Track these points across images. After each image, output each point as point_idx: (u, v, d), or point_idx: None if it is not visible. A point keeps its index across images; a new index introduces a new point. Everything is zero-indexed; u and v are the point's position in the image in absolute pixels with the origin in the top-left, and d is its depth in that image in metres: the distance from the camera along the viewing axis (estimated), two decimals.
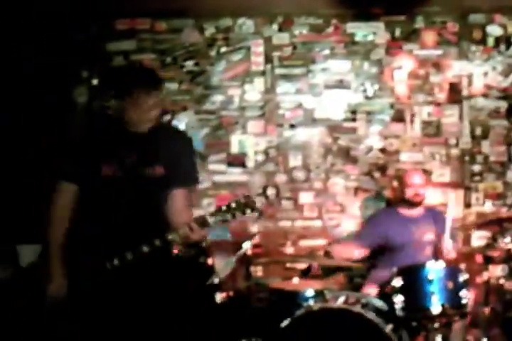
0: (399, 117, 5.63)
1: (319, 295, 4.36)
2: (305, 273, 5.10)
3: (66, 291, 3.22)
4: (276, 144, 5.64)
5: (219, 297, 4.41)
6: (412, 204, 5.08)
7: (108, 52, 5.56)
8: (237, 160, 5.64)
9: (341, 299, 4.36)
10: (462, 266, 4.46)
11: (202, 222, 3.19)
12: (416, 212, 5.11)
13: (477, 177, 5.60)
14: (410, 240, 4.95)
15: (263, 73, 5.66)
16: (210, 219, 3.19)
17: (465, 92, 5.61)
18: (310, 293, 4.37)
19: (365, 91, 5.63)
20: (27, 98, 5.32)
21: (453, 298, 4.28)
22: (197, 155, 3.72)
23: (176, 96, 5.63)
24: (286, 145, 5.64)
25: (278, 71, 5.66)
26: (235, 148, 5.65)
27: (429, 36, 5.64)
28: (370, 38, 5.64)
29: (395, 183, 5.28)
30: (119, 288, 3.17)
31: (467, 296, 4.30)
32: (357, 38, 5.65)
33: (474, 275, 5.12)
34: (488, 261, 4.92)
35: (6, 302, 3.52)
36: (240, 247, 4.63)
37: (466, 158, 5.61)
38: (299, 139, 5.64)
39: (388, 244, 5.02)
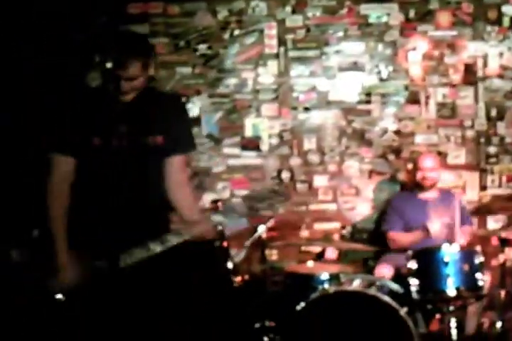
0: (413, 99, 5.60)
1: (334, 278, 4.36)
2: (320, 257, 5.12)
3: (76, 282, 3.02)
4: (290, 127, 5.62)
5: (234, 280, 4.42)
6: (423, 187, 5.06)
7: None
8: (252, 144, 5.63)
9: (356, 282, 4.37)
10: (478, 248, 4.43)
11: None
12: (431, 195, 5.10)
13: (493, 159, 5.57)
14: (425, 223, 4.93)
15: (276, 56, 5.64)
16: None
17: (480, 73, 5.57)
18: (325, 276, 4.37)
19: (379, 73, 5.60)
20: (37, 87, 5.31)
21: (468, 281, 4.27)
22: (191, 121, 3.64)
23: (190, 80, 5.62)
24: (300, 128, 5.62)
25: (291, 54, 5.63)
26: (249, 132, 5.64)
27: (444, 17, 5.59)
28: (384, 19, 5.60)
29: (410, 167, 5.26)
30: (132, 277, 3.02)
31: (483, 279, 4.29)
32: (371, 20, 5.61)
33: (490, 258, 5.10)
34: (504, 243, 4.89)
35: (22, 287, 3.51)
36: (255, 231, 4.63)
37: (482, 139, 5.57)
38: (313, 122, 5.62)
39: (406, 227, 5.02)
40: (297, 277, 4.51)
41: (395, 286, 4.38)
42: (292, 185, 5.61)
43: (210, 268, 3.85)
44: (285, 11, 5.62)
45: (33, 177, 3.34)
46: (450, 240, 4.71)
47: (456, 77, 5.57)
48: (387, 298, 4.10)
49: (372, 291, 4.18)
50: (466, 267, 4.29)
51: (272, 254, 5.44)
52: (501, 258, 5.03)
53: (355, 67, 5.62)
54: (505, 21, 5.55)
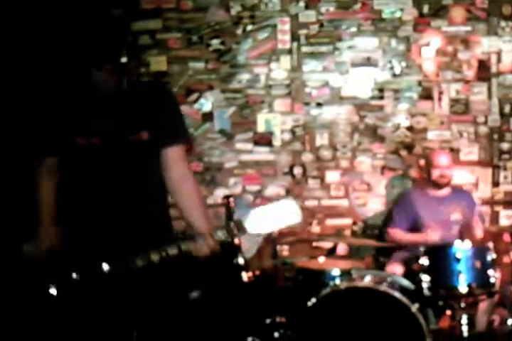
0: (426, 95, 5.58)
1: (345, 274, 4.36)
2: (331, 252, 5.12)
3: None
4: (302, 123, 5.62)
5: (245, 276, 4.42)
6: (439, 185, 5.05)
7: (134, 32, 5.55)
8: (264, 139, 5.63)
9: (368, 278, 4.37)
10: (490, 245, 4.41)
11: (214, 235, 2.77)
12: (443, 191, 5.08)
13: (506, 156, 5.55)
14: (438, 220, 4.93)
15: (289, 51, 5.63)
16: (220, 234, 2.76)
17: (494, 69, 5.54)
18: (336, 272, 4.37)
19: (392, 68, 5.59)
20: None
21: (480, 278, 4.27)
22: (179, 109, 3.16)
23: (202, 75, 5.62)
24: (312, 123, 5.62)
25: (304, 49, 5.62)
26: (261, 127, 5.64)
27: (458, 12, 5.56)
28: (398, 14, 5.58)
29: (422, 163, 5.25)
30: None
31: (494, 275, 4.29)
32: (384, 15, 5.59)
33: (502, 255, 5.10)
34: None
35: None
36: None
37: (495, 136, 5.55)
38: (325, 118, 5.61)
39: (417, 224, 5.01)
40: (308, 273, 4.51)
41: (406, 282, 4.38)
42: (304, 181, 5.61)
43: (220, 264, 3.79)
44: (298, 6, 5.61)
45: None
46: (462, 237, 4.70)
47: (470, 72, 5.55)
48: (398, 295, 4.09)
49: (384, 287, 4.18)
50: (478, 264, 4.29)
51: (284, 250, 5.46)
52: None
53: (368, 62, 5.60)
54: None
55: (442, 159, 5.06)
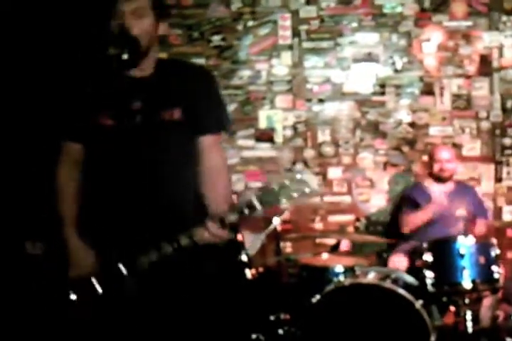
0: (428, 90, 5.57)
1: (349, 270, 4.35)
2: (334, 249, 5.11)
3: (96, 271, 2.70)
4: (304, 119, 5.61)
5: (248, 273, 4.42)
6: (440, 179, 5.04)
7: None
8: (266, 136, 5.62)
9: (371, 274, 4.35)
10: (493, 240, 4.40)
11: (221, 221, 2.60)
12: (447, 187, 5.08)
13: (508, 151, 5.54)
14: (441, 214, 4.92)
15: (290, 47, 5.62)
16: (230, 217, 2.61)
17: (495, 64, 5.54)
18: (340, 268, 4.37)
19: (393, 64, 5.58)
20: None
21: (484, 273, 4.25)
22: (222, 99, 2.95)
23: None
24: (314, 120, 5.61)
25: (305, 45, 5.61)
26: (263, 124, 5.63)
27: (459, 7, 5.55)
28: (399, 9, 5.57)
29: (425, 158, 5.25)
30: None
31: (498, 271, 4.28)
32: (385, 10, 5.58)
33: (506, 250, 5.09)
34: None
35: (38, 278, 3.49)
36: (270, 223, 4.63)
37: (497, 131, 5.54)
38: (327, 114, 5.61)
39: None
40: (312, 269, 4.50)
41: (410, 279, 4.37)
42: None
43: (223, 260, 3.74)
44: (299, 1, 5.61)
45: (46, 168, 2.98)
46: (466, 232, 4.70)
47: (471, 68, 5.54)
48: (402, 291, 4.07)
49: (388, 284, 4.16)
50: (482, 259, 4.27)
51: (287, 246, 5.45)
52: None
53: (370, 58, 5.59)
54: None
55: (443, 153, 5.06)
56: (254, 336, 4.26)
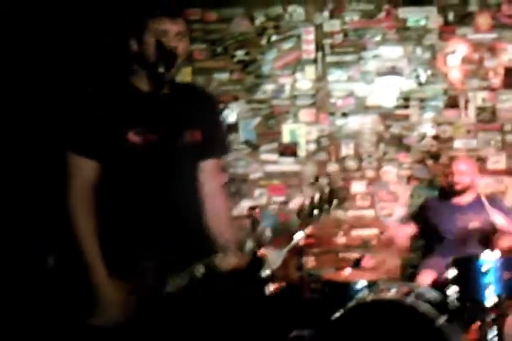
0: (452, 103, 5.54)
1: (372, 286, 4.34)
2: (357, 264, 5.08)
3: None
4: (328, 133, 5.61)
5: (271, 288, 4.42)
6: (454, 191, 5.00)
7: None
8: (289, 150, 5.62)
9: (394, 290, 4.33)
10: None
11: (240, 247, 2.62)
12: (465, 199, 5.03)
13: None
14: (455, 227, 4.90)
15: (314, 61, 5.63)
16: (248, 244, 2.62)
17: None
18: (362, 284, 4.35)
19: (417, 77, 5.56)
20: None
21: (509, 289, 4.22)
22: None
23: (227, 86, 5.64)
24: (338, 133, 5.60)
25: (329, 59, 5.61)
26: (286, 138, 5.63)
27: (484, 19, 5.52)
28: (423, 22, 5.56)
29: (446, 170, 5.22)
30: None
31: None
32: (409, 23, 5.57)
33: None
34: None
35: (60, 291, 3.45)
36: (292, 237, 4.61)
37: None
38: (350, 127, 5.60)
39: (437, 232, 4.98)
40: (334, 285, 4.49)
41: (434, 294, 4.34)
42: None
43: (245, 275, 3.73)
44: (323, 15, 5.61)
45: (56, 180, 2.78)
46: (487, 245, 4.66)
47: (496, 80, 5.50)
48: (424, 307, 4.05)
49: (410, 300, 4.13)
50: (507, 275, 4.24)
51: (309, 261, 5.43)
52: None
53: (394, 71, 5.58)
54: None
55: (459, 165, 5.03)
56: None
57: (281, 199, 5.60)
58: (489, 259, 4.22)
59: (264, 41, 5.66)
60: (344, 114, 5.60)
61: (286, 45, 5.65)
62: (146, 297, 2.58)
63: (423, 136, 5.54)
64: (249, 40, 5.67)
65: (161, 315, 2.66)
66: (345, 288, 4.38)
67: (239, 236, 2.74)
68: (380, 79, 5.59)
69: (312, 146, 5.61)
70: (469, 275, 4.26)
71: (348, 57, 5.61)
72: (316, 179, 5.60)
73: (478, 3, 5.52)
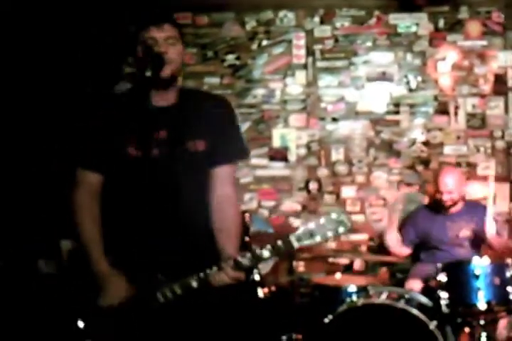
0: (443, 109, 5.55)
1: (362, 290, 4.32)
2: (347, 268, 5.08)
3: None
4: (318, 138, 5.60)
5: (261, 292, 4.40)
6: (444, 206, 4.96)
7: None
8: (279, 155, 5.62)
9: (384, 295, 4.32)
10: (509, 261, 4.35)
11: (237, 264, 2.62)
12: (454, 207, 5.00)
13: None
14: (446, 236, 4.89)
15: (305, 66, 5.63)
16: (245, 261, 2.62)
17: (510, 83, 5.52)
18: (353, 288, 4.34)
19: (408, 83, 5.57)
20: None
21: (499, 294, 4.20)
22: (240, 127, 3.03)
23: (218, 90, 5.60)
24: (328, 138, 5.60)
25: (320, 64, 5.62)
26: (276, 142, 5.63)
27: (474, 26, 5.54)
28: (413, 29, 5.57)
29: (432, 183, 5.19)
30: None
31: None
32: (400, 30, 5.59)
33: None
34: None
35: (52, 295, 3.47)
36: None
37: None
38: (341, 133, 5.60)
39: (427, 240, 4.97)
40: (325, 289, 4.48)
41: (424, 299, 4.33)
42: (320, 196, 5.58)
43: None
44: (313, 21, 5.62)
45: (60, 187, 3.03)
46: (476, 252, 4.66)
47: (486, 87, 5.52)
48: (416, 312, 4.05)
49: (401, 304, 4.13)
50: (497, 280, 4.22)
51: (300, 266, 5.42)
52: None
53: (384, 77, 5.59)
54: None
55: (447, 185, 4.85)
56: None
57: (272, 203, 5.58)
58: (479, 264, 4.22)
59: (254, 46, 5.66)
60: (334, 119, 5.60)
61: (277, 50, 5.65)
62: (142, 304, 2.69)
63: (413, 142, 5.55)
64: (240, 44, 5.66)
65: (156, 319, 2.71)
66: (336, 293, 4.37)
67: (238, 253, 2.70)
68: (371, 84, 5.59)
69: (302, 151, 5.60)
70: (460, 280, 4.26)
71: (339, 63, 5.61)
72: (306, 184, 5.59)
73: (468, 10, 5.54)
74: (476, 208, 5.02)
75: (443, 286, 4.25)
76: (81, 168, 2.82)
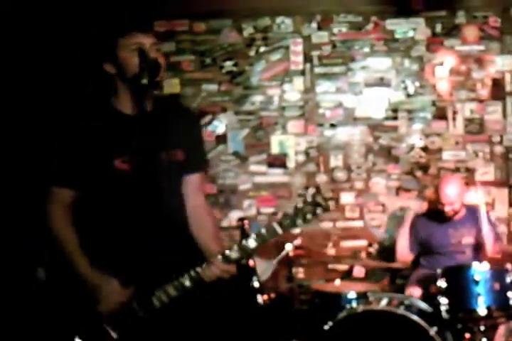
0: (441, 115, 5.55)
1: (362, 297, 4.32)
2: (347, 275, 5.08)
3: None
4: (316, 144, 5.60)
5: (261, 299, 4.39)
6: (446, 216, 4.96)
7: None
8: (278, 161, 5.61)
9: (384, 301, 4.32)
10: (509, 266, 4.34)
11: (225, 257, 2.69)
12: (457, 215, 4.98)
13: None
14: (449, 243, 4.88)
15: (302, 72, 5.63)
16: (233, 254, 2.68)
17: (508, 88, 5.51)
18: (352, 295, 4.33)
19: (406, 88, 5.57)
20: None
21: (499, 300, 4.20)
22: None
23: (216, 97, 5.62)
24: (326, 145, 5.60)
25: (317, 70, 5.61)
26: (275, 149, 5.62)
27: (471, 31, 5.55)
28: (411, 34, 5.57)
29: (431, 193, 5.18)
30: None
31: None
32: (397, 35, 5.58)
33: None
34: None
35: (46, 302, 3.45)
36: (282, 248, 4.61)
37: (511, 155, 5.50)
38: (339, 139, 5.59)
39: (428, 247, 4.96)
40: (324, 296, 4.48)
41: (424, 305, 4.33)
42: None
43: (235, 287, 3.72)
44: (311, 27, 5.62)
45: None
46: (477, 258, 4.65)
47: (484, 92, 5.52)
48: (416, 318, 4.04)
49: (401, 310, 4.13)
50: (497, 286, 4.22)
51: (299, 272, 5.41)
52: None
53: (382, 82, 5.59)
54: None
55: (448, 193, 4.85)
56: None
57: (271, 210, 5.58)
58: (479, 270, 4.22)
59: (252, 52, 5.65)
60: (333, 125, 5.59)
61: (275, 57, 5.65)
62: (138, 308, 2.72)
63: (412, 147, 5.55)
64: (237, 51, 5.66)
65: (153, 324, 2.74)
66: (336, 299, 4.37)
67: (225, 247, 2.76)
68: (369, 90, 5.59)
69: (301, 157, 5.60)
70: (460, 286, 4.25)
71: (337, 69, 5.61)
72: (305, 190, 5.58)
73: (465, 15, 5.54)
74: (477, 213, 5.01)
75: (443, 292, 4.25)
76: (53, 186, 2.86)
